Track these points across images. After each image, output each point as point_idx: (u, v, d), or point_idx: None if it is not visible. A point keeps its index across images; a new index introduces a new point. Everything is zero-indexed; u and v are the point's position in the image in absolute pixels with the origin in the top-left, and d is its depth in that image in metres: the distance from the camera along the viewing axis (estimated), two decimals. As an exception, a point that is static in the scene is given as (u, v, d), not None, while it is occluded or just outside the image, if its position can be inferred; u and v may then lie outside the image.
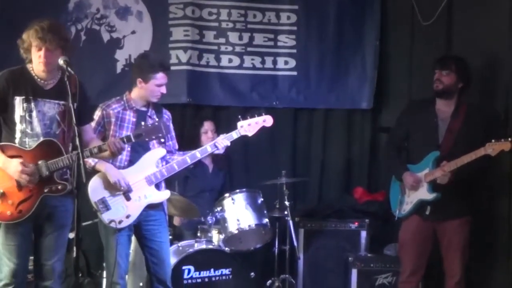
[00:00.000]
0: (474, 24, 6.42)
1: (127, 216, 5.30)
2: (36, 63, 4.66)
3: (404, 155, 6.00)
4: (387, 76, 7.64)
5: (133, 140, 4.94)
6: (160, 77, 5.44)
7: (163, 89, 5.49)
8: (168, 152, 5.66)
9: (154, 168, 5.43)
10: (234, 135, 5.73)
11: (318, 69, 7.56)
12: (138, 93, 5.51)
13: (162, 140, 5.41)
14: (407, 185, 5.72)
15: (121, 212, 5.28)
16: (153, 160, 5.45)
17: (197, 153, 5.60)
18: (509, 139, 5.20)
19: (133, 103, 5.50)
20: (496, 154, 5.22)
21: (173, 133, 5.76)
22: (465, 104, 5.70)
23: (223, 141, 5.67)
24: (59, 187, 4.69)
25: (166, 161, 5.59)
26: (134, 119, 5.45)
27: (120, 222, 5.27)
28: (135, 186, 5.33)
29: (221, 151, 5.70)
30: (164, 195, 5.52)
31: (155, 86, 5.44)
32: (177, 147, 5.79)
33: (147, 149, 5.45)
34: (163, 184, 5.58)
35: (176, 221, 6.73)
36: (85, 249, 6.58)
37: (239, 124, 5.74)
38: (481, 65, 6.12)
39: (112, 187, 5.27)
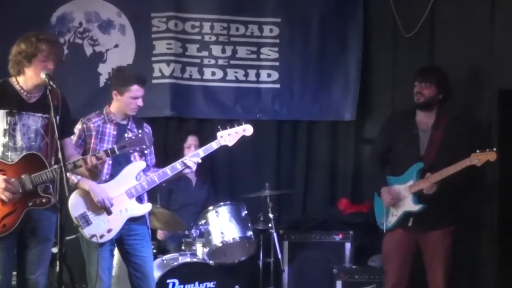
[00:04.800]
0: (456, 35, 6.47)
1: (109, 231, 5.26)
2: (37, 75, 4.58)
3: (388, 167, 6.00)
4: (370, 87, 7.63)
5: (117, 152, 4.88)
6: (135, 89, 5.40)
7: (140, 102, 5.45)
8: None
9: (134, 181, 5.39)
10: (214, 145, 5.64)
11: (301, 81, 7.55)
12: (116, 106, 5.49)
13: (146, 151, 5.40)
14: (384, 202, 5.73)
15: (102, 227, 5.25)
16: (133, 173, 5.41)
17: (168, 170, 5.51)
18: (494, 149, 5.22)
19: (113, 116, 5.47)
20: (481, 165, 5.24)
21: (152, 148, 5.69)
22: (446, 115, 5.72)
23: (192, 158, 5.56)
24: (43, 200, 4.66)
25: (146, 174, 5.54)
26: (115, 132, 5.43)
27: (101, 236, 5.24)
28: (116, 200, 5.29)
29: (191, 169, 5.60)
30: (145, 208, 5.48)
31: (130, 98, 5.41)
32: (154, 162, 5.73)
33: (128, 162, 5.43)
34: (145, 197, 5.54)
35: (160, 235, 6.69)
36: (69, 263, 6.51)
37: (219, 134, 5.66)
38: (464, 75, 6.16)
39: (93, 202, 5.24)
